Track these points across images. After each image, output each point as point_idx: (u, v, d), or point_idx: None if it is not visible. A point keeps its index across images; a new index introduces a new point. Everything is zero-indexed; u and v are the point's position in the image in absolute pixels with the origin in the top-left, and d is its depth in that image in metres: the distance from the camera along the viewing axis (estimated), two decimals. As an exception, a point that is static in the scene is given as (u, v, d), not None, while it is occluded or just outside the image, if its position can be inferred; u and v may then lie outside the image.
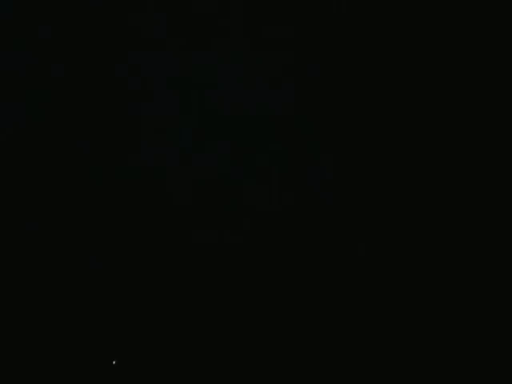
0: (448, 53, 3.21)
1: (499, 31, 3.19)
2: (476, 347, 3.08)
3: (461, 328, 3.09)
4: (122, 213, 3.18)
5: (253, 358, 3.11)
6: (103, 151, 3.19)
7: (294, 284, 3.15)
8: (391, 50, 3.22)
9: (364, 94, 3.22)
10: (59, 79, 3.20)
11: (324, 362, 3.10)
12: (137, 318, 3.13)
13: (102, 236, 3.17)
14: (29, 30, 3.19)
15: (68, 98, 3.21)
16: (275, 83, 3.22)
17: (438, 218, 3.16)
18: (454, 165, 3.18)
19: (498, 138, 3.17)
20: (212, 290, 3.15)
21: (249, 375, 3.10)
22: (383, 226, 3.17)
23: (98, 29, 3.21)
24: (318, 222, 3.18)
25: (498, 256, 3.12)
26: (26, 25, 3.19)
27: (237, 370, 3.11)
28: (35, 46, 3.19)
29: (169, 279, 3.16)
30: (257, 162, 3.20)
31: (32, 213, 3.16)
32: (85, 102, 3.21)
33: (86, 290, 3.14)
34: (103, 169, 3.19)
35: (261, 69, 3.22)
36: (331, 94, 3.22)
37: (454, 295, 3.11)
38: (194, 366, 3.12)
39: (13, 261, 3.13)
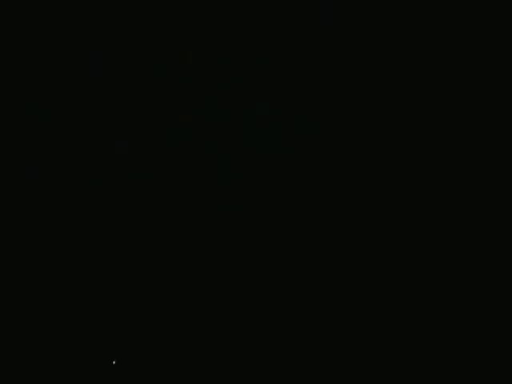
0: (443, 50, 3.22)
1: (499, 31, 3.19)
2: (476, 347, 3.08)
3: (461, 328, 3.10)
4: (120, 213, 3.18)
5: (253, 357, 3.11)
6: (101, 150, 3.20)
7: (294, 284, 3.15)
8: (390, 50, 3.22)
9: (365, 93, 3.22)
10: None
11: (323, 361, 3.10)
12: (137, 318, 3.13)
13: (102, 236, 3.17)
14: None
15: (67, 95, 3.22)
16: (275, 82, 3.22)
17: (437, 218, 3.16)
18: (454, 165, 3.18)
19: (498, 138, 3.18)
20: (211, 290, 3.15)
21: (249, 375, 3.11)
22: (383, 226, 3.17)
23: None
24: (317, 222, 3.18)
25: (498, 256, 3.12)
26: None
27: (237, 370, 3.11)
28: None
29: (168, 279, 3.16)
30: (256, 161, 3.20)
31: (30, 211, 3.16)
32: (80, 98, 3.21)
33: (87, 290, 3.14)
34: (101, 169, 3.19)
35: (260, 69, 3.23)
36: (331, 94, 3.23)
37: (454, 295, 3.12)
38: (194, 366, 3.12)
39: (12, 261, 3.13)
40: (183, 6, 3.23)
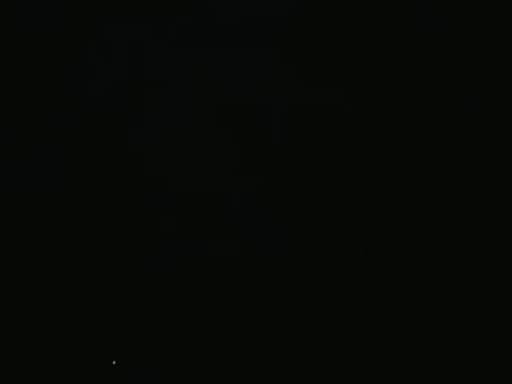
0: (444, 52, 3.22)
1: (499, 30, 3.20)
2: (476, 347, 3.08)
3: (461, 328, 3.10)
4: (120, 213, 3.18)
5: (254, 358, 3.11)
6: (101, 159, 3.20)
7: (294, 285, 3.15)
8: (388, 48, 3.22)
9: (365, 93, 3.22)
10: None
11: (324, 363, 3.10)
12: (137, 318, 3.14)
13: (102, 237, 3.17)
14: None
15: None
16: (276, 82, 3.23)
17: (437, 218, 3.16)
18: (454, 164, 3.18)
19: (498, 137, 3.18)
20: (211, 290, 3.16)
21: (249, 376, 3.11)
22: (383, 226, 3.17)
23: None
24: (317, 222, 3.18)
25: (498, 256, 3.12)
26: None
27: (237, 371, 3.11)
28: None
29: (168, 279, 3.16)
30: (257, 175, 3.21)
31: (28, 209, 3.17)
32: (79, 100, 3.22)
33: (87, 290, 3.14)
34: (101, 179, 3.19)
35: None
36: (330, 97, 3.23)
37: (453, 295, 3.12)
38: (194, 366, 3.12)
39: (11, 261, 3.13)
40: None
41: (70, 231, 3.16)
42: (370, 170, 3.19)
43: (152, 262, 3.16)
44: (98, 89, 3.20)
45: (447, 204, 3.17)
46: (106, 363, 3.09)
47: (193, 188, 3.20)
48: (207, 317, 3.14)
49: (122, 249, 3.16)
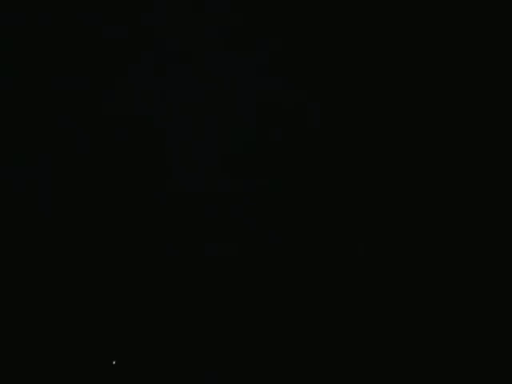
0: (442, 51, 3.22)
1: (499, 30, 3.19)
2: (476, 347, 3.08)
3: (461, 328, 3.09)
4: (118, 213, 3.18)
5: (254, 358, 3.11)
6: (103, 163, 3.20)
7: (294, 285, 3.15)
8: (388, 49, 3.22)
9: (363, 94, 3.22)
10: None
11: (324, 363, 3.10)
12: (137, 318, 3.13)
13: (102, 237, 3.17)
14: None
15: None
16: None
17: (437, 218, 3.16)
18: (453, 164, 3.18)
19: (498, 137, 3.18)
20: (210, 290, 3.15)
21: (248, 375, 3.11)
22: (383, 226, 3.16)
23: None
24: (317, 222, 3.18)
25: (498, 256, 3.12)
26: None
27: (236, 371, 3.11)
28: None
29: (167, 279, 3.16)
30: (257, 177, 3.20)
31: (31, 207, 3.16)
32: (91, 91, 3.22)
33: (87, 290, 3.14)
34: (104, 183, 3.19)
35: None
36: (327, 97, 3.23)
37: (453, 295, 3.12)
38: (193, 366, 3.12)
39: (12, 260, 3.13)
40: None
41: (70, 231, 3.16)
42: (370, 170, 3.19)
43: (152, 262, 3.15)
44: (96, 88, 3.21)
45: (447, 204, 3.16)
46: (106, 363, 3.09)
47: (193, 188, 3.20)
48: (207, 317, 3.14)
49: (122, 249, 3.16)
